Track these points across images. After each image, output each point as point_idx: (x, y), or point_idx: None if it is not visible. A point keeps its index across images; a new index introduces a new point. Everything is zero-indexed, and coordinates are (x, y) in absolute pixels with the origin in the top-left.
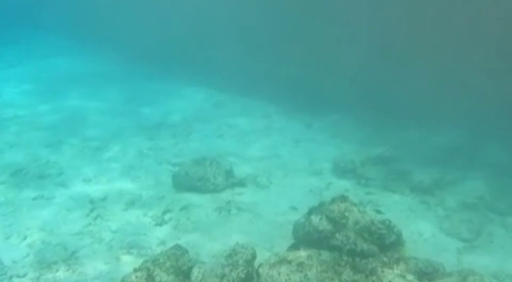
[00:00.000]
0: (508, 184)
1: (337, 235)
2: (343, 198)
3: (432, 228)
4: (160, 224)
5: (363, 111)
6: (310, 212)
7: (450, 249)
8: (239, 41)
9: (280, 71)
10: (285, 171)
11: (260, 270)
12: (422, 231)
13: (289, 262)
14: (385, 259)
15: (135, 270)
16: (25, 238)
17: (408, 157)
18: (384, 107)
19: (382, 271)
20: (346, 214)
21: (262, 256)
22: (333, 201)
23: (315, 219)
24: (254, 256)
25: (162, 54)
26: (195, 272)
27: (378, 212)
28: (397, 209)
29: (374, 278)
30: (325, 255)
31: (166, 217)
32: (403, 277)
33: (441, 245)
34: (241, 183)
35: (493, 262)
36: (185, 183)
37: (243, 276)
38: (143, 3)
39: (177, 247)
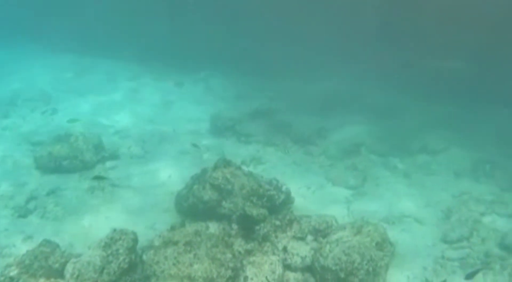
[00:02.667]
0: (386, 125)
1: (224, 203)
2: (226, 162)
3: (319, 179)
4: (24, 215)
5: (234, 68)
6: (192, 182)
7: (339, 199)
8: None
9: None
10: (159, 137)
11: (145, 256)
12: (310, 184)
13: (175, 243)
14: (277, 222)
15: None
16: None
17: (287, 109)
18: (255, 63)
19: (276, 236)
20: (232, 179)
21: (144, 237)
22: (216, 166)
23: (198, 188)
24: (136, 241)
25: (10, 14)
26: (70, 269)
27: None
28: (282, 164)
29: (268, 244)
30: (214, 227)
31: (31, 205)
32: (297, 239)
33: (330, 196)
34: (113, 156)
35: (382, 206)
36: (50, 164)
37: (125, 266)
38: None
39: (46, 243)
